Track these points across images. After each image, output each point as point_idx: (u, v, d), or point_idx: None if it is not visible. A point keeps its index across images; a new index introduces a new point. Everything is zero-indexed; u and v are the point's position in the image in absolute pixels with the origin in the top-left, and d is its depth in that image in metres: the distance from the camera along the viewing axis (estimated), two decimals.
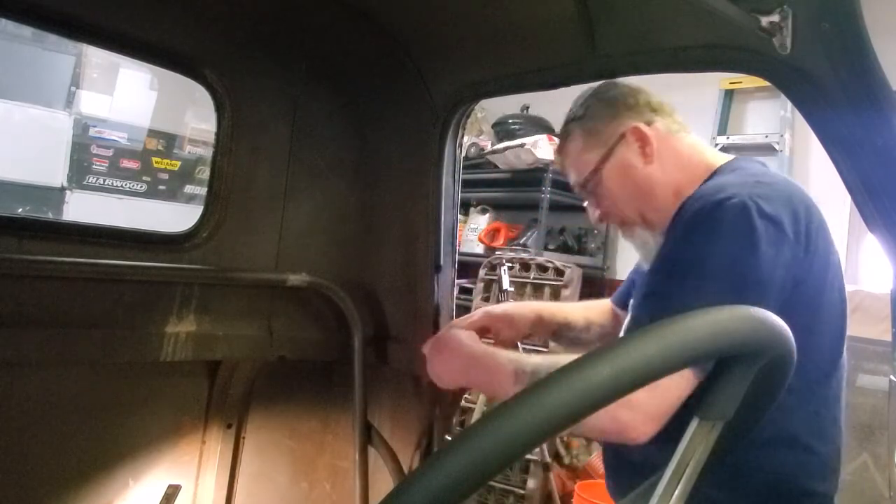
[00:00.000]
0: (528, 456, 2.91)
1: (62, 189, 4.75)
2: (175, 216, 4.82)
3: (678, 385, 0.87)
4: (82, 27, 1.16)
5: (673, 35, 1.01)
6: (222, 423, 1.49)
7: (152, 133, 5.17)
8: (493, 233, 4.12)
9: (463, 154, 1.50)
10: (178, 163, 5.33)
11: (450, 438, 1.53)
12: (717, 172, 1.10)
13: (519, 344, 1.65)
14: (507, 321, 1.32)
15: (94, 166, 4.90)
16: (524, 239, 3.83)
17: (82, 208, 4.75)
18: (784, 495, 1.01)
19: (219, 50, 1.30)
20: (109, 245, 1.21)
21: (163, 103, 5.10)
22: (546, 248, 3.77)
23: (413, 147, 1.46)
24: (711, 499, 0.97)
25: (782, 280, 0.93)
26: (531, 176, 3.65)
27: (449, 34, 1.32)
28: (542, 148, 3.47)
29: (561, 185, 3.47)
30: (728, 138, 4.34)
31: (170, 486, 1.42)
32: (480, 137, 4.18)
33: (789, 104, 2.63)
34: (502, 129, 3.90)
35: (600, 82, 1.20)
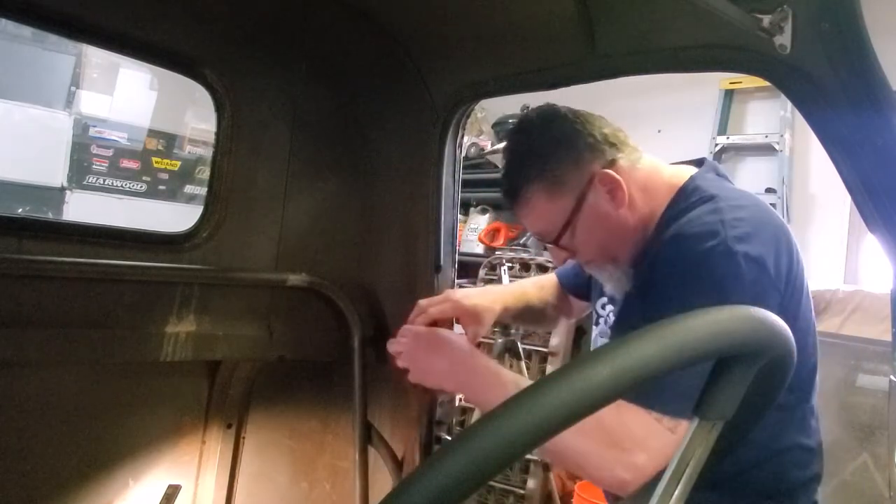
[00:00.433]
0: (528, 456, 2.92)
1: (62, 189, 4.75)
2: (175, 216, 4.82)
3: (675, 442, 0.89)
4: (82, 27, 1.16)
5: (673, 35, 1.01)
6: (222, 423, 1.49)
7: (152, 133, 5.17)
8: (493, 233, 4.12)
9: (463, 154, 1.50)
10: (178, 163, 5.33)
11: (450, 438, 1.53)
12: (681, 194, 1.07)
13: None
14: (474, 317, 1.29)
15: (94, 166, 4.90)
16: (524, 239, 3.83)
17: (82, 208, 4.75)
18: (781, 491, 1.04)
19: (219, 50, 1.29)
20: (109, 245, 1.21)
21: (163, 103, 5.10)
22: (546, 248, 3.77)
23: (413, 147, 1.46)
24: (709, 500, 0.98)
25: None
26: None
27: (449, 34, 1.32)
28: None
29: None
30: (728, 138, 4.34)
31: (170, 486, 1.42)
32: (480, 137, 4.19)
33: (789, 104, 2.63)
34: (502, 129, 3.91)
35: (536, 110, 1.13)
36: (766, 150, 4.19)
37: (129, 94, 5.00)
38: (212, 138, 1.37)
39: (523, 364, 2.95)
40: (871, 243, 3.74)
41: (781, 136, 4.07)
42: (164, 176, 5.29)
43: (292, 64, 1.39)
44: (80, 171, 4.82)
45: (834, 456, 2.93)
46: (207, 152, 4.95)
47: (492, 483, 3.15)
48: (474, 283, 4.16)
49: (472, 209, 4.26)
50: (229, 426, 1.50)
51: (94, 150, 4.90)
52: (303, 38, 1.37)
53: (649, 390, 0.93)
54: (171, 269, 1.27)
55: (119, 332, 1.21)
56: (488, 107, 4.25)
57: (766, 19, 0.85)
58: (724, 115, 4.39)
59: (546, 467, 2.77)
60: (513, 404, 0.42)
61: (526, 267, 3.50)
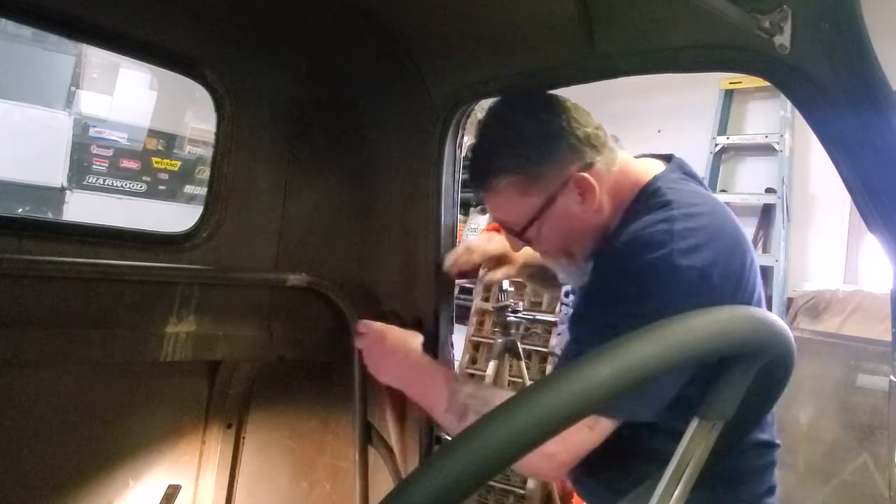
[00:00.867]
0: None
1: (62, 189, 4.75)
2: (175, 216, 4.82)
3: (589, 439, 0.95)
4: (82, 27, 1.16)
5: (673, 35, 1.01)
6: (222, 423, 1.49)
7: (152, 133, 5.18)
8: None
9: (463, 154, 1.50)
10: (178, 163, 5.34)
11: (450, 438, 1.53)
12: (641, 195, 1.07)
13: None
14: (503, 259, 1.43)
15: (94, 166, 4.90)
16: None
17: (82, 208, 4.75)
18: (735, 479, 1.07)
19: (219, 50, 1.29)
20: (109, 245, 1.21)
21: (163, 103, 5.11)
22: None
23: (413, 147, 1.46)
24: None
25: None
26: None
27: (449, 34, 1.32)
28: None
29: None
30: (728, 138, 4.34)
31: (170, 486, 1.42)
32: None
33: (789, 104, 2.63)
34: None
35: (526, 95, 1.12)
36: (766, 150, 4.20)
37: (129, 94, 5.00)
38: (211, 138, 1.37)
39: (523, 364, 2.95)
40: (871, 243, 3.75)
41: (781, 136, 4.07)
42: (164, 176, 5.29)
43: (292, 64, 1.39)
44: (80, 171, 4.83)
45: (834, 456, 2.94)
46: (207, 152, 4.96)
47: (492, 483, 3.15)
48: (474, 283, 4.17)
49: (472, 209, 4.27)
50: (229, 426, 1.50)
51: (94, 150, 4.90)
52: (303, 38, 1.37)
53: None
54: (171, 269, 1.27)
55: (119, 332, 1.21)
56: (488, 107, 4.26)
57: (766, 19, 0.85)
58: (724, 115, 4.39)
59: None
60: (513, 404, 0.42)
61: None
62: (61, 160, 4.73)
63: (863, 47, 0.81)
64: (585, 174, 1.06)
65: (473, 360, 4.14)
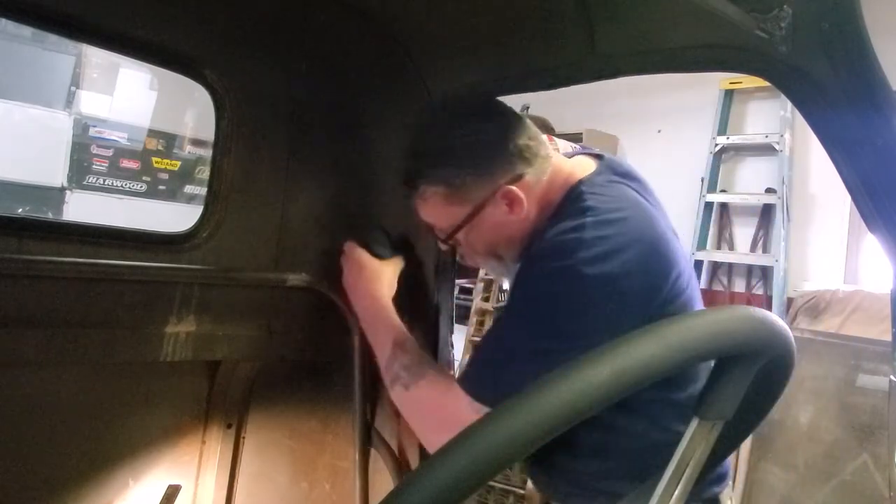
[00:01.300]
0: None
1: (62, 189, 4.75)
2: (176, 216, 4.82)
3: (469, 417, 1.01)
4: (82, 27, 1.15)
5: (673, 35, 1.01)
6: (222, 423, 1.49)
7: (152, 133, 5.18)
8: None
9: None
10: (178, 163, 5.34)
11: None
12: (565, 201, 1.07)
13: None
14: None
15: (94, 166, 4.91)
16: None
17: (82, 208, 4.76)
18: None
19: (219, 50, 1.29)
20: (109, 245, 1.21)
21: (163, 103, 5.11)
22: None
23: None
24: (578, 470, 1.09)
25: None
26: None
27: (449, 34, 1.32)
28: None
29: None
30: (728, 138, 4.34)
31: (170, 486, 1.42)
32: None
33: (789, 104, 2.64)
34: None
35: (470, 99, 1.11)
36: (766, 150, 4.20)
37: (129, 94, 5.00)
38: (211, 138, 1.37)
39: None
40: (871, 243, 3.75)
41: (781, 136, 4.07)
42: (164, 176, 5.29)
43: (292, 64, 1.39)
44: (80, 171, 4.83)
45: (834, 456, 2.94)
46: (207, 152, 4.96)
47: (492, 483, 3.15)
48: (474, 283, 4.17)
49: None
50: (229, 426, 1.50)
51: (94, 150, 4.91)
52: (303, 38, 1.37)
53: (475, 375, 1.03)
54: (171, 269, 1.27)
55: (119, 332, 1.21)
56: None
57: (766, 19, 0.85)
58: (724, 115, 4.39)
59: None
60: (514, 404, 0.42)
61: None
62: (61, 160, 4.73)
63: (863, 47, 0.81)
64: (513, 187, 1.07)
65: None
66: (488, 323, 4.15)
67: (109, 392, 1.31)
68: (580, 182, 1.07)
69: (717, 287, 4.45)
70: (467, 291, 4.05)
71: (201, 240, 1.31)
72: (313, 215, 1.46)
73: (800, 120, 2.97)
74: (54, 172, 4.70)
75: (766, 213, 4.24)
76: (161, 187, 5.25)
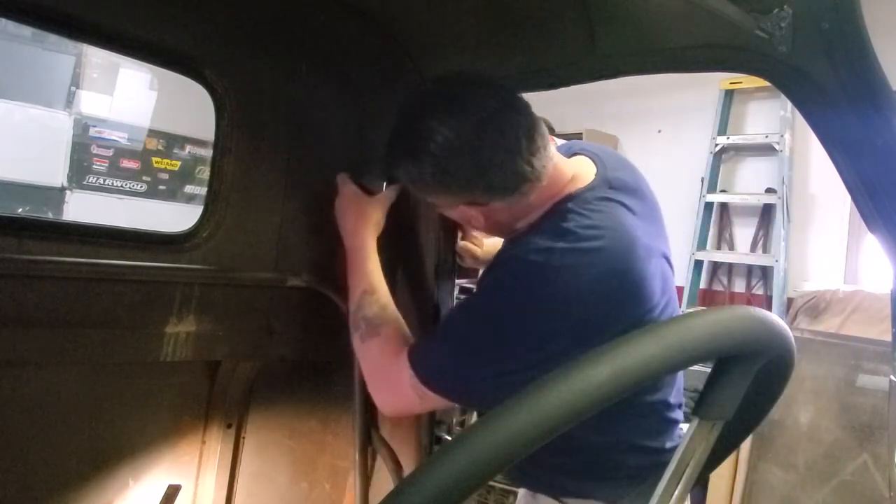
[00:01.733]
0: None
1: (62, 189, 4.75)
2: (176, 216, 4.82)
3: (420, 406, 1.08)
4: (82, 27, 1.15)
5: (673, 35, 1.01)
6: (222, 423, 1.49)
7: (152, 133, 5.17)
8: None
9: None
10: (178, 163, 5.34)
11: (450, 438, 1.53)
12: (550, 212, 1.05)
13: None
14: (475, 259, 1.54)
15: (94, 166, 4.90)
16: None
17: (82, 208, 4.75)
18: (618, 477, 1.11)
19: (219, 50, 1.29)
20: (109, 245, 1.21)
21: (163, 103, 5.10)
22: None
23: None
24: (557, 465, 1.10)
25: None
26: None
27: (449, 34, 1.33)
28: None
29: None
30: (728, 138, 4.34)
31: (170, 486, 1.42)
32: None
33: (789, 104, 2.64)
34: None
35: (497, 107, 1.00)
36: (766, 150, 4.20)
37: (129, 94, 5.00)
38: (211, 138, 1.37)
39: None
40: (871, 243, 3.75)
41: (781, 136, 4.07)
42: (165, 176, 5.29)
43: (292, 64, 1.39)
44: (80, 171, 4.83)
45: (834, 456, 2.94)
46: (207, 152, 4.96)
47: (492, 483, 3.15)
48: (474, 283, 4.16)
49: None
50: (229, 426, 1.50)
51: (94, 150, 4.90)
52: (303, 38, 1.37)
53: (422, 353, 1.06)
54: (172, 269, 1.27)
55: (119, 332, 1.21)
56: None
57: (766, 19, 0.85)
58: (724, 115, 4.39)
59: None
60: (514, 404, 0.42)
61: None
62: (61, 160, 4.73)
63: (863, 47, 0.81)
64: (473, 210, 1.08)
65: None
66: None
67: (109, 392, 1.30)
68: (570, 197, 1.04)
69: (717, 287, 4.45)
70: (467, 291, 4.05)
71: (201, 240, 1.31)
72: (313, 215, 1.46)
73: (800, 120, 2.97)
74: (54, 172, 4.70)
75: (766, 213, 4.24)
76: (161, 187, 5.25)
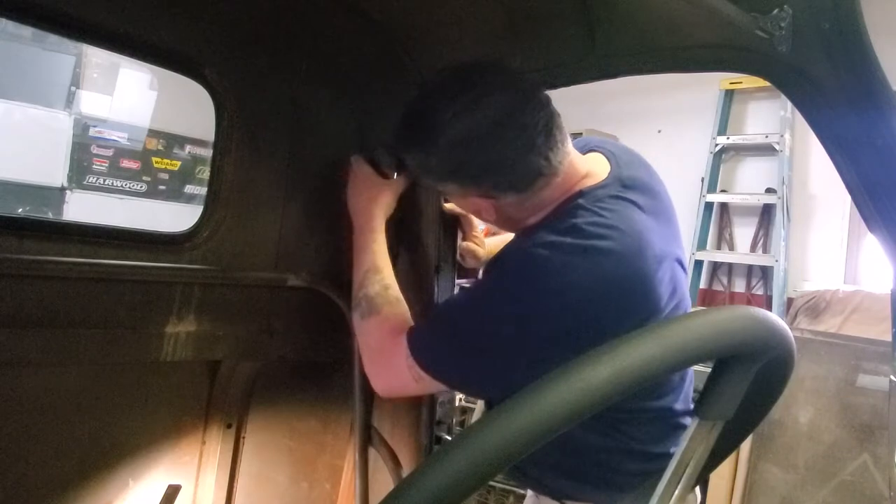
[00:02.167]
0: None
1: (62, 189, 4.75)
2: (176, 216, 4.82)
3: (416, 389, 1.06)
4: (82, 27, 1.15)
5: (673, 35, 1.01)
6: (222, 423, 1.49)
7: (152, 133, 5.17)
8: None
9: None
10: (178, 163, 5.34)
11: (450, 438, 1.53)
12: (562, 206, 1.04)
13: None
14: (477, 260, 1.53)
15: (94, 166, 4.90)
16: None
17: (82, 208, 4.75)
18: (610, 483, 1.11)
19: (219, 50, 1.29)
20: (109, 245, 1.21)
21: (163, 103, 5.11)
22: None
23: None
24: (558, 465, 1.10)
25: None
26: None
27: (449, 34, 1.33)
28: None
29: None
30: (728, 138, 4.34)
31: (170, 486, 1.42)
32: None
33: (789, 104, 2.64)
34: None
35: (521, 100, 1.00)
36: (766, 150, 4.20)
37: (129, 94, 5.00)
38: (211, 138, 1.37)
39: None
40: (871, 243, 3.75)
41: (781, 136, 4.07)
42: (165, 176, 5.29)
43: (292, 64, 1.39)
44: (80, 171, 4.83)
45: (834, 456, 2.94)
46: (207, 152, 4.96)
47: (492, 483, 3.15)
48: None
49: None
50: (229, 426, 1.50)
51: (95, 150, 4.91)
52: (303, 38, 1.37)
53: (421, 335, 1.06)
54: (172, 269, 1.27)
55: (119, 332, 1.21)
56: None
57: (766, 19, 0.85)
58: (724, 115, 4.39)
59: None
60: (514, 404, 0.42)
61: None
62: (61, 160, 4.73)
63: (863, 47, 0.81)
64: (485, 201, 1.08)
65: None
66: None
67: (109, 392, 1.30)
68: (581, 193, 1.03)
69: (717, 287, 4.45)
70: None
71: (201, 240, 1.31)
72: (313, 215, 1.46)
73: (800, 120, 2.96)
74: (54, 172, 4.70)
75: (766, 213, 4.24)
76: (161, 187, 5.25)
